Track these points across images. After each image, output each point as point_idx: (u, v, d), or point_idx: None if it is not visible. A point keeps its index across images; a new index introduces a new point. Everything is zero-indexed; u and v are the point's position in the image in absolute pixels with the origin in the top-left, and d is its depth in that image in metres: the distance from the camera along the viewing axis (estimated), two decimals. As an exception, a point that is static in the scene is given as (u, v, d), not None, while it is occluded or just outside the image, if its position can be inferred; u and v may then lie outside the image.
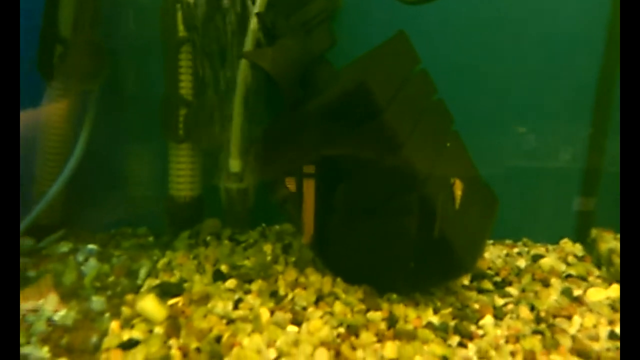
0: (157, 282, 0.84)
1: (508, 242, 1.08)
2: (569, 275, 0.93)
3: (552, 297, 0.84)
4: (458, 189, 0.83)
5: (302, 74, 0.75)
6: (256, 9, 0.74)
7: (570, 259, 1.00)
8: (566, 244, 1.07)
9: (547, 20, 0.98)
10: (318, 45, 0.83)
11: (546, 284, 0.89)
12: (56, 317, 0.74)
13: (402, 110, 0.79)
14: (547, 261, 0.97)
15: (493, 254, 1.02)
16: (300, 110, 0.80)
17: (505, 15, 0.98)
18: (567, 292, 0.86)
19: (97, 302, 0.79)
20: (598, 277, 0.93)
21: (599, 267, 0.98)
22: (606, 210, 1.05)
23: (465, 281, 0.90)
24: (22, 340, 0.69)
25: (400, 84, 0.83)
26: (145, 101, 0.98)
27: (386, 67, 0.83)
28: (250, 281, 0.84)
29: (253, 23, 0.76)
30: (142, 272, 0.88)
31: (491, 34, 0.99)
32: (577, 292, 0.87)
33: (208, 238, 1.03)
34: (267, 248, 0.98)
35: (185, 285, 0.83)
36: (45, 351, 0.68)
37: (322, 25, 0.85)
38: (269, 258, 0.93)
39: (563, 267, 0.97)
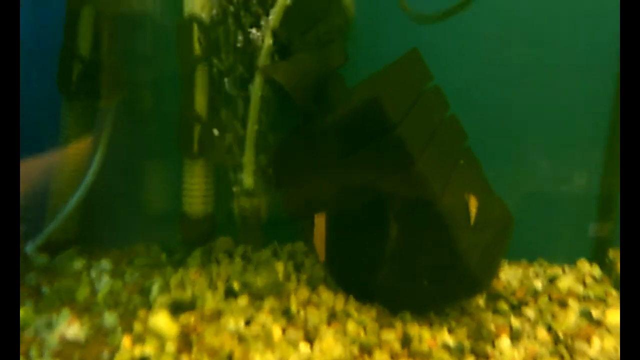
0: (169, 298, 0.84)
1: (524, 262, 1.06)
2: (586, 297, 0.91)
3: (570, 318, 0.82)
4: (473, 206, 0.82)
5: (317, 88, 0.75)
6: (271, 25, 0.75)
7: (588, 280, 0.98)
8: (583, 264, 1.05)
9: (562, 46, 0.98)
10: (332, 61, 0.84)
11: (564, 305, 0.87)
12: (69, 333, 0.74)
13: (415, 127, 0.79)
14: (564, 282, 0.95)
15: (508, 274, 1.00)
16: (313, 125, 0.81)
17: (520, 40, 0.98)
18: (585, 314, 0.84)
19: (110, 317, 0.78)
20: (617, 298, 0.91)
21: (617, 288, 0.95)
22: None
23: (481, 302, 0.89)
24: (34, 354, 0.69)
25: (413, 100, 0.83)
26: (160, 118, 0.99)
27: (399, 83, 0.84)
28: (262, 298, 0.83)
29: (267, 39, 0.77)
30: (155, 289, 0.88)
31: (506, 58, 0.99)
32: (595, 314, 0.85)
33: (220, 256, 1.03)
34: (279, 266, 0.97)
35: (197, 302, 0.83)
36: (57, 366, 0.67)
37: (335, 41, 0.86)
38: (280, 276, 0.93)
39: (580, 288, 0.95)
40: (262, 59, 0.76)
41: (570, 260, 1.06)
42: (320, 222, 0.83)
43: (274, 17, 0.74)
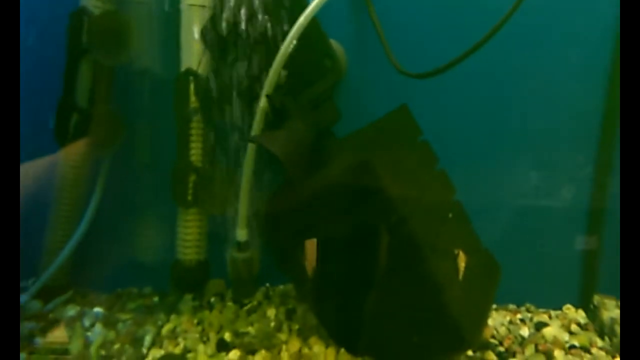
0: (161, 352, 0.85)
1: (512, 307, 1.08)
2: (572, 346, 0.93)
3: (555, 371, 0.84)
4: (462, 261, 0.84)
5: (310, 151, 0.77)
6: (265, 90, 0.78)
7: (574, 327, 1.00)
8: (569, 310, 1.07)
9: (550, 60, 0.99)
10: (325, 121, 0.86)
11: (550, 357, 0.89)
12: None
13: (405, 184, 0.81)
14: (550, 330, 0.97)
15: (496, 320, 1.02)
16: (303, 182, 0.83)
17: (506, 51, 0.98)
18: (570, 366, 0.86)
19: (102, 372, 0.79)
20: (601, 348, 0.93)
21: (601, 336, 0.97)
22: (610, 276, 1.06)
23: (469, 351, 0.90)
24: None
25: (403, 157, 0.86)
26: (156, 167, 1.01)
27: (388, 140, 0.86)
28: (253, 352, 0.85)
29: (262, 102, 0.80)
30: (147, 339, 0.89)
31: (492, 76, 1.01)
32: (580, 366, 0.87)
33: (212, 299, 1.04)
34: (271, 312, 0.99)
35: (189, 355, 0.84)
36: None
37: (328, 100, 0.89)
38: (272, 324, 0.94)
39: (566, 336, 0.97)
40: (257, 123, 0.79)
41: (557, 304, 1.08)
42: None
43: (268, 83, 0.77)
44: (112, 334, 0.90)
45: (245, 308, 1.01)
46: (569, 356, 0.90)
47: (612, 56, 0.99)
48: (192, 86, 0.94)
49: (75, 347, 0.84)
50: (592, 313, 1.05)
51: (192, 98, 0.94)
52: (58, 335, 0.88)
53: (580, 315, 1.05)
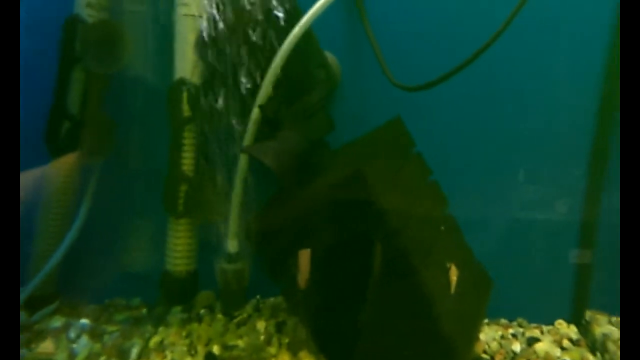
0: (148, 365, 0.83)
1: (503, 321, 1.08)
2: (564, 362, 0.93)
3: (547, 387, 0.84)
4: (454, 275, 0.84)
5: (302, 162, 0.77)
6: (258, 101, 0.77)
7: (565, 342, 1.00)
8: (561, 325, 1.07)
9: (543, 70, 1.00)
10: (318, 131, 0.86)
11: (541, 373, 0.89)
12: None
13: (398, 196, 0.81)
14: (542, 346, 0.97)
15: (488, 335, 1.01)
16: (296, 193, 0.82)
17: (500, 64, 0.99)
18: (562, 383, 0.86)
19: (87, 385, 0.78)
20: (592, 365, 0.93)
21: (593, 352, 0.97)
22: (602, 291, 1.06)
23: (461, 367, 0.89)
24: None
25: (396, 168, 0.86)
26: (147, 176, 1.00)
27: (382, 152, 0.86)
28: (242, 366, 0.83)
29: (255, 113, 0.79)
30: (134, 352, 0.87)
31: (485, 89, 1.01)
32: (572, 383, 0.86)
33: (202, 311, 1.03)
34: (261, 325, 0.97)
35: (177, 369, 0.82)
36: None
37: (322, 110, 0.89)
38: (262, 338, 0.93)
39: (558, 352, 0.96)
40: (249, 134, 0.78)
41: (549, 319, 1.08)
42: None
43: (261, 93, 0.77)
44: (98, 346, 0.89)
45: (235, 321, 1.00)
46: (561, 372, 0.89)
47: (608, 59, 0.99)
48: (185, 95, 0.93)
49: (61, 359, 0.82)
50: (584, 328, 1.04)
51: (185, 107, 0.94)
52: (44, 346, 0.86)
53: (572, 331, 1.04)
